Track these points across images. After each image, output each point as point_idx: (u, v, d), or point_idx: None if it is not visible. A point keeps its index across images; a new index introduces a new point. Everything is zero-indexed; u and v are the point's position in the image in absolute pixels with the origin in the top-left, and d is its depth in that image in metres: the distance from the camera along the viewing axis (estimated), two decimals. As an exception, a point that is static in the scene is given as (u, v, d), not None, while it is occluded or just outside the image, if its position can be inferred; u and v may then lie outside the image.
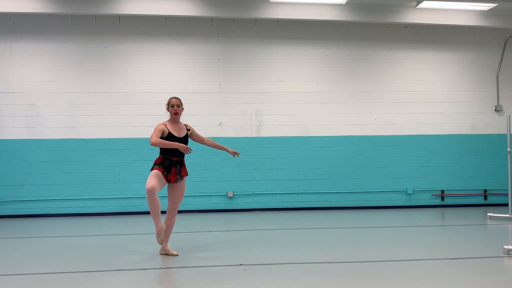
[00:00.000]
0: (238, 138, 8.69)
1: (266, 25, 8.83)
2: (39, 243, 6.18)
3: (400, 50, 9.12)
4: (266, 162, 8.78)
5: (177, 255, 5.24)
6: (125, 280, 4.39)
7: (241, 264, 4.82)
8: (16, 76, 8.37)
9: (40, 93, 8.38)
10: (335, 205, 8.89)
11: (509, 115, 7.56)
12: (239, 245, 5.83)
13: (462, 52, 9.25)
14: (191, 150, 5.06)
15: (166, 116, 5.39)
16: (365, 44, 9.05)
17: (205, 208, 8.66)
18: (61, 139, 8.41)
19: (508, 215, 7.54)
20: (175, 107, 5.26)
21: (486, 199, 9.19)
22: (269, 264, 4.85)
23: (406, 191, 9.03)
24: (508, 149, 7.46)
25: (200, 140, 5.56)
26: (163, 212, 5.28)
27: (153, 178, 4.97)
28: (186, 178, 5.37)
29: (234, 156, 5.71)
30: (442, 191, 9.13)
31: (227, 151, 5.62)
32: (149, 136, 5.06)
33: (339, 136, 8.93)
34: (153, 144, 4.95)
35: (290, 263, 4.86)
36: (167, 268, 4.85)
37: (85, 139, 8.44)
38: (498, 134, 9.19)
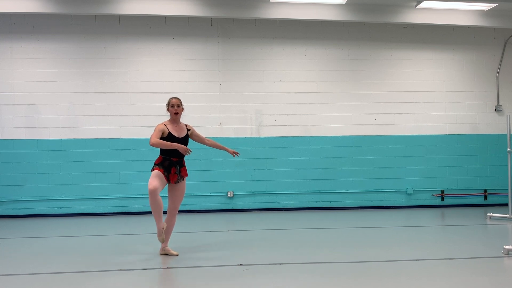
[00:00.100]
0: (238, 138, 8.69)
1: (266, 25, 8.83)
2: (39, 243, 6.18)
3: (400, 50, 9.12)
4: (266, 162, 8.78)
5: (177, 255, 5.24)
6: (125, 280, 4.39)
7: (241, 264, 4.82)
8: (16, 76, 8.37)
9: (40, 93, 8.38)
10: (335, 205, 8.90)
11: (509, 115, 7.56)
12: (239, 245, 5.83)
13: (462, 52, 9.25)
14: (191, 151, 5.07)
15: (166, 116, 5.39)
16: (365, 44, 9.05)
17: (205, 208, 8.66)
18: (61, 139, 8.41)
19: (508, 215, 7.54)
20: (175, 107, 5.26)
21: (486, 199, 9.19)
22: (269, 264, 4.85)
23: (406, 191, 9.03)
24: (508, 149, 7.46)
25: (200, 140, 5.57)
26: (164, 212, 5.27)
27: (155, 179, 4.98)
28: (186, 178, 5.37)
29: (234, 156, 5.71)
30: (442, 191, 9.13)
31: (227, 151, 5.62)
32: (149, 136, 5.06)
33: (339, 136, 8.93)
34: (153, 145, 4.95)
35: (290, 263, 4.86)
36: (167, 268, 4.85)
37: (85, 139, 8.44)
38: (498, 134, 9.19)
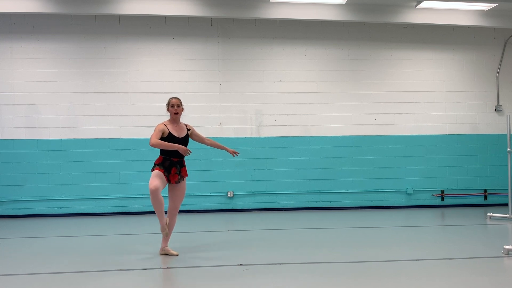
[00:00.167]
0: (238, 138, 8.69)
1: (266, 25, 8.83)
2: (39, 243, 6.18)
3: (400, 50, 9.12)
4: (266, 162, 8.78)
5: (177, 255, 5.24)
6: (125, 280, 4.39)
7: (241, 264, 4.82)
8: (16, 76, 8.37)
9: (40, 93, 8.38)
10: (335, 205, 8.90)
11: (509, 115, 7.56)
12: (239, 245, 5.83)
13: (462, 52, 9.25)
14: (190, 152, 5.08)
15: (166, 116, 5.40)
16: (365, 44, 9.05)
17: (205, 208, 8.66)
18: (61, 139, 8.41)
19: (508, 215, 7.54)
20: (175, 107, 5.26)
21: (486, 199, 9.19)
22: (269, 264, 4.85)
23: (406, 191, 9.03)
24: (508, 149, 7.46)
25: (200, 140, 5.57)
26: (165, 212, 5.27)
27: (155, 179, 4.99)
28: (186, 178, 5.38)
29: (233, 156, 5.72)
30: (442, 191, 9.13)
31: (227, 150, 5.63)
32: (149, 136, 5.06)
33: (339, 136, 8.93)
34: (153, 145, 4.96)
35: (290, 263, 4.86)
36: (167, 268, 4.85)
37: (85, 139, 8.44)
38: (498, 134, 9.18)
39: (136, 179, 8.44)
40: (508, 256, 5.04)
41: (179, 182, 5.25)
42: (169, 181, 5.17)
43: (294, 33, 8.89)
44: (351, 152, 8.95)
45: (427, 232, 6.71)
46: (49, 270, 4.76)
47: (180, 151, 5.06)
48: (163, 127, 5.15)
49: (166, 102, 5.36)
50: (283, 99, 8.83)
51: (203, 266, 4.80)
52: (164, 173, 5.10)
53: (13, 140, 8.33)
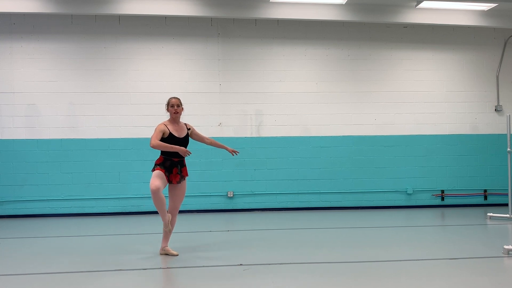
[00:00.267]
0: (238, 138, 8.69)
1: (266, 25, 8.83)
2: (39, 243, 6.18)
3: (400, 50, 9.12)
4: (266, 162, 8.78)
5: (177, 255, 5.24)
6: (125, 280, 4.39)
7: (241, 264, 4.82)
8: (16, 76, 8.37)
9: (40, 93, 8.38)
10: (335, 205, 8.90)
11: (509, 115, 7.56)
12: (239, 245, 5.83)
13: (462, 52, 9.25)
14: (190, 153, 5.10)
15: (166, 116, 5.39)
16: (365, 44, 9.05)
17: (205, 208, 8.66)
18: (61, 139, 8.41)
19: (508, 215, 7.54)
20: (175, 107, 5.26)
21: (486, 199, 9.19)
22: (269, 264, 4.85)
23: (406, 191, 9.03)
24: (508, 149, 7.46)
25: (200, 139, 5.58)
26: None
27: (156, 179, 5.00)
28: (186, 178, 5.38)
29: (233, 155, 5.73)
30: (442, 191, 9.13)
31: (227, 149, 5.64)
32: (149, 136, 5.07)
33: (339, 136, 8.93)
34: (153, 147, 4.98)
35: (290, 263, 4.86)
36: (167, 268, 4.85)
37: (85, 139, 8.44)
38: (498, 134, 9.18)
39: (136, 179, 8.44)
40: (508, 256, 5.04)
41: (180, 182, 5.26)
42: (170, 181, 5.18)
43: (294, 33, 8.89)
44: (351, 152, 8.95)
45: (427, 232, 6.71)
46: (49, 270, 4.76)
47: (180, 153, 5.08)
48: (163, 127, 5.15)
49: (166, 102, 5.36)
50: (283, 99, 8.83)
51: (203, 266, 4.80)
52: (165, 173, 5.11)
53: (13, 140, 8.33)
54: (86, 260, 5.08)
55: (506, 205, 8.05)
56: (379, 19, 8.53)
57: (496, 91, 9.27)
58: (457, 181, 9.16)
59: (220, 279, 4.34)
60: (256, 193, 8.77)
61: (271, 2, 8.18)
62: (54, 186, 8.37)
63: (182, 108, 5.35)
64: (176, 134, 5.20)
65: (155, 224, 7.05)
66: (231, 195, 8.70)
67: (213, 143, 5.66)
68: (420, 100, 9.10)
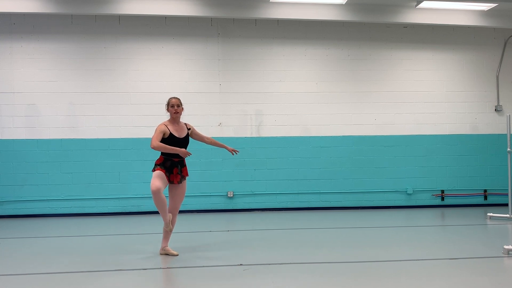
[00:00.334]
0: (238, 138, 8.69)
1: (266, 25, 8.83)
2: (39, 243, 6.18)
3: (400, 50, 9.12)
4: (266, 162, 8.78)
5: (177, 255, 5.24)
6: (125, 280, 4.39)
7: (241, 264, 4.82)
8: (16, 76, 8.37)
9: (40, 93, 8.38)
10: (335, 205, 8.89)
11: (509, 115, 7.56)
12: (239, 245, 5.83)
13: (462, 52, 9.25)
14: (191, 154, 5.12)
15: (166, 116, 5.39)
16: (365, 44, 9.05)
17: (205, 208, 8.66)
18: (61, 139, 8.41)
19: (508, 215, 7.54)
20: (175, 107, 5.26)
21: (486, 199, 9.19)
22: (269, 264, 4.85)
23: (406, 191, 9.03)
24: (508, 149, 7.46)
25: (199, 138, 5.59)
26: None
27: (157, 179, 5.01)
28: (186, 178, 5.39)
29: (233, 154, 5.73)
30: (442, 191, 9.13)
31: (227, 148, 5.65)
32: (149, 136, 5.08)
33: (339, 136, 8.93)
34: (154, 148, 4.99)
35: (290, 263, 4.86)
36: (167, 268, 4.85)
37: (85, 139, 8.44)
38: (498, 134, 9.18)
39: (136, 179, 8.44)
40: (508, 256, 5.04)
41: (181, 182, 5.26)
42: (171, 181, 5.18)
43: (294, 33, 8.89)
44: (351, 152, 8.95)
45: (427, 232, 6.71)
46: (49, 270, 4.76)
47: (181, 155, 5.09)
48: (164, 128, 5.15)
49: (166, 102, 5.36)
50: (283, 99, 8.83)
51: (203, 266, 4.80)
52: (165, 173, 5.12)
53: (13, 140, 8.33)
54: (86, 260, 5.09)
55: (506, 205, 8.04)
56: (379, 19, 8.54)
57: (496, 91, 9.27)
58: (457, 181, 9.16)
59: (220, 279, 4.34)
60: (256, 193, 8.77)
61: (271, 2, 8.18)
62: (54, 186, 8.37)
63: (182, 108, 5.35)
64: (176, 134, 5.20)
65: (155, 224, 7.05)
66: (231, 195, 8.70)
67: (213, 143, 5.67)
68: (420, 100, 9.10)
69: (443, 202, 9.11)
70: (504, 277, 4.43)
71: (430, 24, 8.87)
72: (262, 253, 5.35)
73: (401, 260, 5.02)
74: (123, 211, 8.49)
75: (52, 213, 8.37)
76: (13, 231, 7.08)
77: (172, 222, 5.35)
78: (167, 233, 5.31)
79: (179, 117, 5.32)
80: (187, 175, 5.35)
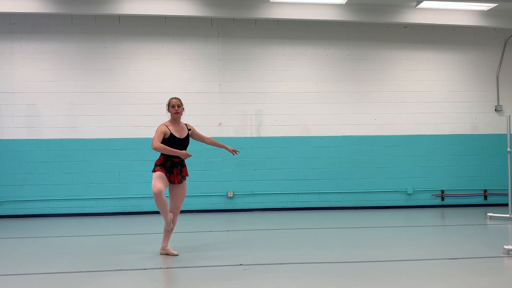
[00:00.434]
0: (238, 138, 8.69)
1: (266, 25, 8.83)
2: (39, 243, 6.18)
3: (400, 50, 9.12)
4: (266, 162, 8.78)
5: (177, 255, 5.25)
6: (125, 280, 4.39)
7: (241, 264, 4.82)
8: (16, 76, 8.37)
9: (40, 93, 8.38)
10: (335, 205, 8.90)
11: (509, 115, 7.56)
12: (239, 245, 5.83)
13: (462, 52, 9.25)
14: (191, 156, 5.14)
15: (166, 116, 5.40)
16: (365, 44, 9.05)
17: (205, 208, 8.66)
18: (61, 139, 8.41)
19: (508, 215, 7.54)
20: (175, 107, 5.26)
21: (486, 199, 9.19)
22: (269, 264, 4.85)
23: (406, 191, 9.03)
24: (508, 149, 7.46)
25: (200, 139, 5.59)
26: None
27: (158, 181, 5.01)
28: (187, 178, 5.39)
29: (233, 154, 5.73)
30: (442, 191, 9.13)
31: (227, 149, 5.65)
32: (149, 136, 5.09)
33: (339, 136, 8.93)
34: (155, 149, 5.00)
35: (290, 263, 4.86)
36: (167, 268, 4.86)
37: (85, 139, 8.44)
38: (498, 134, 9.18)
39: (136, 179, 8.44)
40: (508, 256, 5.04)
41: (181, 182, 5.27)
42: (171, 181, 5.18)
43: (294, 33, 8.89)
44: (351, 152, 8.95)
45: (427, 232, 6.71)
46: (49, 270, 4.76)
47: (181, 157, 5.10)
48: (164, 128, 5.15)
49: (166, 102, 5.36)
50: (283, 99, 8.83)
51: (203, 266, 4.80)
52: (165, 173, 5.12)
53: (13, 140, 8.33)
54: (86, 260, 5.09)
55: (506, 205, 8.05)
56: (379, 19, 8.54)
57: (496, 91, 9.27)
58: (457, 181, 9.16)
59: (220, 279, 4.34)
60: (256, 193, 8.77)
61: (271, 2, 8.18)
62: (54, 186, 8.37)
63: (183, 109, 5.35)
64: (177, 135, 5.21)
65: (155, 224, 7.06)
66: (231, 195, 8.70)
67: (213, 143, 5.67)
68: (420, 100, 9.10)
69: (443, 202, 9.11)
70: (504, 277, 4.43)
71: (430, 24, 8.87)
72: (262, 253, 5.35)
73: (401, 260, 5.03)
74: (123, 211, 8.49)
75: (52, 213, 8.37)
76: (13, 231, 7.08)
77: (173, 221, 5.35)
78: (167, 232, 5.32)
79: (179, 118, 5.32)
80: (187, 175, 5.36)
